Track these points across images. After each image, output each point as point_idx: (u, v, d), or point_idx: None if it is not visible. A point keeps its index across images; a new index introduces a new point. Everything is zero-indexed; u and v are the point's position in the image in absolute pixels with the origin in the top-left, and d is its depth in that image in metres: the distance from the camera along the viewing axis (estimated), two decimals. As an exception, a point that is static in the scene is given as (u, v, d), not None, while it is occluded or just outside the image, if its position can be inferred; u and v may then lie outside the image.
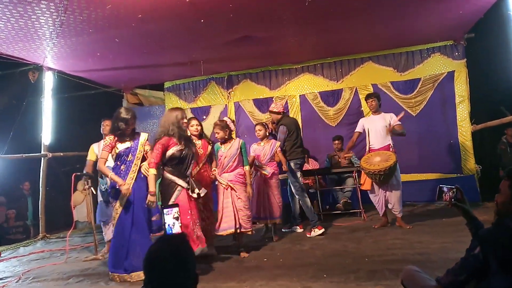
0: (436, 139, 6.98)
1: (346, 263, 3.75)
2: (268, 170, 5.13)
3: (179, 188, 3.82)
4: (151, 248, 1.53)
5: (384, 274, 3.27)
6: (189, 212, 3.76)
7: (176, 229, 2.67)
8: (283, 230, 5.54)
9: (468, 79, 6.91)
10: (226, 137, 4.51)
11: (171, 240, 1.63)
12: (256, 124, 5.40)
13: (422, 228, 4.93)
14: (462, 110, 6.92)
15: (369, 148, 5.26)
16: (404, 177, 6.87)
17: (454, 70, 6.99)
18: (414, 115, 7.08)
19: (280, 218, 5.18)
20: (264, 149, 5.16)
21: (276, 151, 5.15)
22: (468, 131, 6.84)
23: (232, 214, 4.34)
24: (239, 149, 4.51)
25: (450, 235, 4.28)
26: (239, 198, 4.39)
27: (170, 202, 3.70)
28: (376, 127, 5.20)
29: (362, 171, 5.16)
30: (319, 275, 3.44)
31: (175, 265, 1.45)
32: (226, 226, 4.34)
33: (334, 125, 7.51)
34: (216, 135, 4.56)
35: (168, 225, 2.67)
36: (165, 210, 2.71)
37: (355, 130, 5.46)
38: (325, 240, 4.80)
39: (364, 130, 5.33)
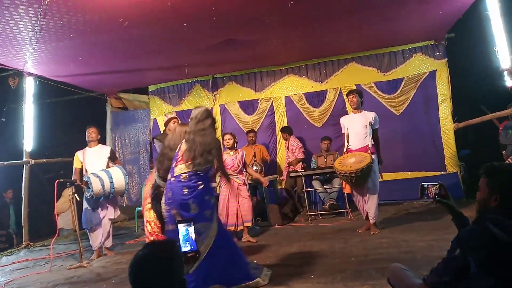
0: (420, 137, 7.08)
1: (333, 263, 3.76)
2: (241, 178, 5.31)
3: None
4: (137, 253, 1.52)
5: (370, 274, 3.29)
6: None
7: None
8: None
9: (449, 78, 7.04)
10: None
11: (156, 246, 1.61)
12: (225, 134, 5.57)
13: (408, 226, 4.97)
14: (445, 109, 7.04)
15: (347, 148, 5.02)
16: (389, 176, 6.98)
17: (436, 70, 7.10)
18: (398, 114, 7.18)
19: (252, 221, 5.42)
20: (237, 159, 5.32)
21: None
22: (451, 129, 6.96)
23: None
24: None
25: (435, 233, 4.33)
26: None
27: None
28: (355, 126, 4.93)
29: None
30: (306, 276, 3.45)
31: (159, 270, 1.44)
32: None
33: (319, 126, 7.55)
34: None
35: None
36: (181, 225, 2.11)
37: (342, 131, 5.22)
38: (312, 241, 4.81)
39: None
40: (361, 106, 5.11)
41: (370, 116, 4.94)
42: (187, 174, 3.18)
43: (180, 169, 3.22)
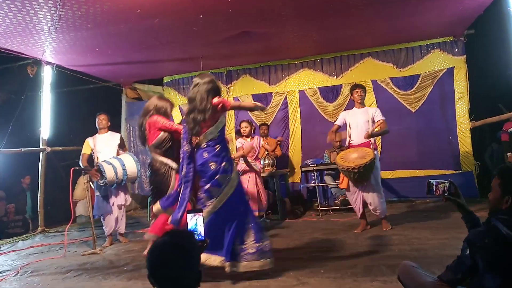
0: (435, 135, 6.98)
1: (343, 258, 3.76)
2: (258, 165, 5.52)
3: None
4: (156, 240, 1.55)
5: (381, 270, 3.28)
6: None
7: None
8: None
9: (467, 75, 6.91)
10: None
11: (176, 234, 1.63)
12: (242, 121, 5.75)
13: (420, 224, 4.94)
14: (461, 107, 6.92)
15: (349, 143, 4.97)
16: (403, 173, 6.95)
17: (454, 67, 6.98)
18: (413, 111, 7.09)
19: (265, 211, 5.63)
20: (254, 145, 5.52)
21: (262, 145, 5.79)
22: (467, 127, 6.84)
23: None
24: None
25: (448, 232, 4.30)
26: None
27: None
28: (358, 122, 4.84)
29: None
30: (316, 270, 3.46)
31: (177, 259, 1.46)
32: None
33: (333, 121, 7.43)
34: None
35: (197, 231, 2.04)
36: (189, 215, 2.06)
37: (335, 123, 5.15)
38: (323, 236, 4.82)
39: (344, 124, 5.01)
40: (363, 102, 5.06)
41: (372, 111, 4.87)
42: (205, 142, 3.50)
43: (200, 140, 3.56)
